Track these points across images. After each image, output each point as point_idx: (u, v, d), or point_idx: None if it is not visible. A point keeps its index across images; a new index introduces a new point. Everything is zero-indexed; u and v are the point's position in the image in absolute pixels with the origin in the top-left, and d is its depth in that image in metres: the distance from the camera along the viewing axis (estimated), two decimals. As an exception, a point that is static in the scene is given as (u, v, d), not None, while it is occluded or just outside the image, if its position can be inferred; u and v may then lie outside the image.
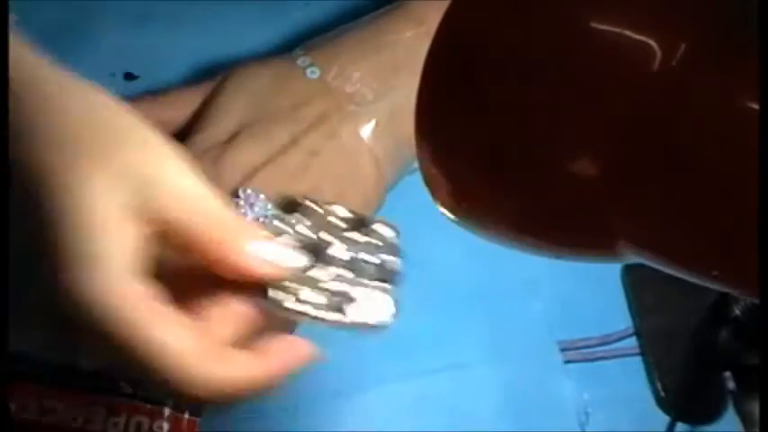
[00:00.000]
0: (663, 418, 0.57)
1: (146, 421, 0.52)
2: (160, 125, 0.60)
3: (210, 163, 0.56)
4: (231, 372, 0.39)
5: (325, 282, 0.43)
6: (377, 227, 0.47)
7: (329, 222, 0.45)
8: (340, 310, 0.43)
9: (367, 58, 0.59)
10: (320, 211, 0.46)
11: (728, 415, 0.58)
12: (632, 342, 0.60)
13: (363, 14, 0.62)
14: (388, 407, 0.57)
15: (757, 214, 0.30)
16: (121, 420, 0.52)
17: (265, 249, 0.40)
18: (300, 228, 0.44)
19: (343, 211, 0.47)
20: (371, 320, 0.45)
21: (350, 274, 0.44)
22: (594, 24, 0.32)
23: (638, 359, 0.60)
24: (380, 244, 0.46)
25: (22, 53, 0.41)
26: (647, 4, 0.32)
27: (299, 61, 0.60)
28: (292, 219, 0.45)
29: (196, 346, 0.38)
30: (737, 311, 0.57)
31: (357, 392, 0.57)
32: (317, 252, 0.44)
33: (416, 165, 0.36)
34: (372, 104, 0.59)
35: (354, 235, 0.46)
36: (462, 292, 0.60)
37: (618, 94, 0.31)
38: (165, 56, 0.65)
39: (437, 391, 0.57)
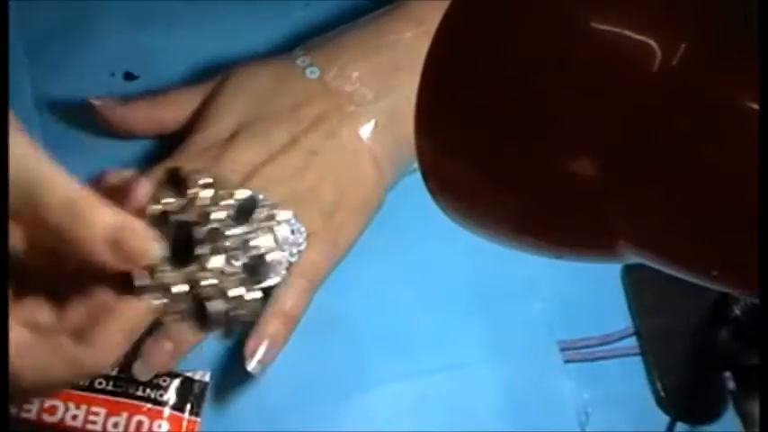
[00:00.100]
0: (663, 418, 0.57)
1: (146, 421, 0.52)
2: (160, 125, 0.61)
3: (210, 162, 0.56)
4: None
5: (194, 282, 0.43)
6: (268, 212, 0.46)
7: (212, 212, 0.44)
8: (198, 313, 0.43)
9: (367, 58, 0.59)
10: (206, 194, 0.45)
11: (728, 415, 0.58)
12: (632, 342, 0.60)
13: (363, 14, 0.62)
14: (388, 407, 0.57)
15: (757, 214, 0.30)
16: (121, 420, 0.52)
17: (123, 239, 0.40)
18: (180, 216, 0.44)
19: (239, 194, 0.46)
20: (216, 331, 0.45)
21: (214, 280, 0.43)
22: (594, 24, 0.32)
23: (638, 359, 0.60)
24: (257, 238, 0.45)
25: None
26: (647, 4, 0.32)
27: (299, 61, 0.60)
28: (175, 205, 0.44)
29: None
30: (737, 311, 0.57)
31: (357, 392, 0.57)
32: (188, 247, 0.43)
33: (416, 165, 0.36)
34: (372, 104, 0.59)
35: (234, 230, 0.45)
36: (462, 292, 0.60)
37: (618, 94, 0.31)
38: (165, 56, 0.65)
39: (437, 391, 0.57)
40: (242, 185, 0.55)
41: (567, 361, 0.59)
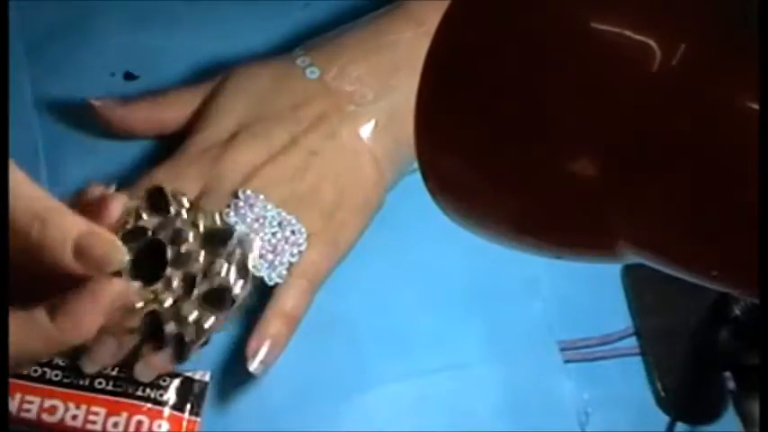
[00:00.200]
0: (662, 418, 0.57)
1: (146, 421, 0.52)
2: (160, 125, 0.61)
3: (210, 163, 0.56)
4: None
5: (156, 301, 0.43)
6: (240, 244, 0.46)
7: (186, 235, 0.45)
8: (153, 331, 0.43)
9: (367, 59, 0.59)
10: (184, 216, 0.45)
11: (728, 415, 0.58)
12: (632, 342, 0.60)
13: (363, 14, 0.62)
14: (388, 407, 0.57)
15: (757, 214, 0.30)
16: (121, 420, 0.52)
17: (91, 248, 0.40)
18: (155, 234, 0.44)
19: (210, 221, 0.46)
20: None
21: (172, 301, 0.44)
22: (594, 24, 0.32)
23: (638, 359, 0.60)
24: (223, 268, 0.45)
25: None
26: (646, 4, 0.32)
27: (299, 61, 0.60)
28: (151, 222, 0.44)
29: None
30: (737, 311, 0.57)
31: (357, 392, 0.57)
32: (158, 265, 0.44)
33: (416, 165, 0.36)
34: (372, 104, 0.59)
35: (203, 257, 0.45)
36: (462, 292, 0.60)
37: (618, 93, 0.31)
38: (165, 56, 0.65)
39: (437, 391, 0.57)
40: (242, 186, 0.55)
41: (567, 361, 0.59)
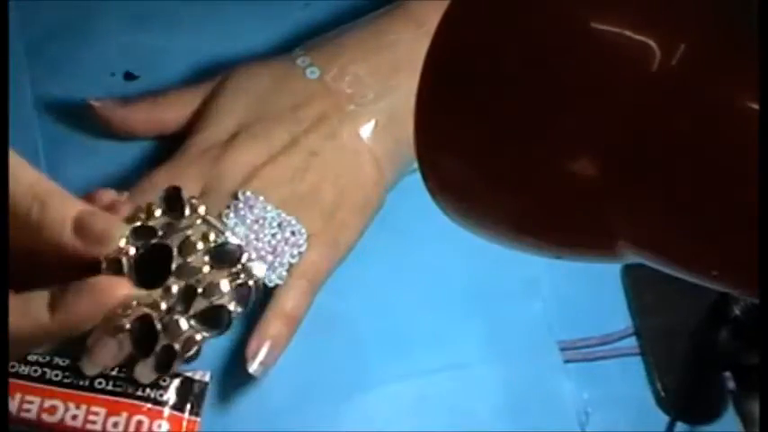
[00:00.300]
0: (662, 418, 0.57)
1: (146, 421, 0.52)
2: (160, 126, 0.61)
3: (210, 163, 0.56)
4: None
5: (151, 306, 0.43)
6: (245, 266, 0.46)
7: (195, 247, 0.45)
8: (142, 337, 0.43)
9: (367, 59, 0.59)
10: (197, 224, 0.45)
11: (728, 415, 0.58)
12: (632, 342, 0.60)
13: (363, 14, 0.62)
14: (388, 407, 0.57)
15: (757, 214, 0.30)
16: (121, 420, 0.52)
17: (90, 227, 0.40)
18: (163, 239, 0.44)
19: (228, 237, 0.46)
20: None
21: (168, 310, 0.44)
22: (594, 24, 0.32)
23: (638, 359, 0.60)
24: (225, 287, 0.45)
25: None
26: (647, 4, 0.32)
27: (299, 61, 0.60)
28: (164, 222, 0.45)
29: None
30: (737, 311, 0.57)
31: (357, 392, 0.57)
32: (161, 271, 0.44)
33: (416, 165, 0.36)
34: (372, 104, 0.59)
35: (207, 273, 0.45)
36: (462, 292, 0.60)
37: (617, 93, 0.31)
38: (165, 56, 0.65)
39: (437, 391, 0.57)
40: (242, 186, 0.55)
41: (567, 361, 0.59)
